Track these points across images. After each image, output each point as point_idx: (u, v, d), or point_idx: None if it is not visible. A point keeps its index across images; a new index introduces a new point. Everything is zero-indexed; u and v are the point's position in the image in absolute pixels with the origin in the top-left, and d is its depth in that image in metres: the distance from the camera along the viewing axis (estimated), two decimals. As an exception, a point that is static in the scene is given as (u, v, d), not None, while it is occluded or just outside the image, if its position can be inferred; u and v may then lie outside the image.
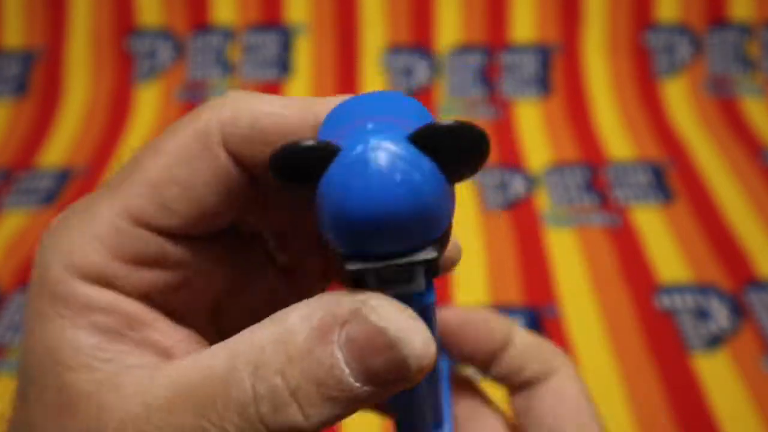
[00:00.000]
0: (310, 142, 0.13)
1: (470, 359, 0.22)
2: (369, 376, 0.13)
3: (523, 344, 0.22)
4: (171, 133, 0.15)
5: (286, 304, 0.18)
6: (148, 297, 0.16)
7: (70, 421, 0.14)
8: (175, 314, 0.17)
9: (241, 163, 0.15)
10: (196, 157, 0.15)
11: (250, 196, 0.16)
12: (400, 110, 0.14)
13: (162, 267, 0.16)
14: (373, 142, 0.12)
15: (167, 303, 0.16)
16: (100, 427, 0.14)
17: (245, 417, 0.13)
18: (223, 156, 0.15)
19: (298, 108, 0.15)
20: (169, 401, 0.13)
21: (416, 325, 0.13)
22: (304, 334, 0.13)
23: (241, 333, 0.14)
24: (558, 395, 0.21)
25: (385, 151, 0.12)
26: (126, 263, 0.15)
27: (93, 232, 0.15)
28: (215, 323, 0.18)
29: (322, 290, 0.20)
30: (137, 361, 0.15)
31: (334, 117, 0.14)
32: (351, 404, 0.13)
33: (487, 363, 0.22)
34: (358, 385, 0.13)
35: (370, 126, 0.13)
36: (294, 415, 0.13)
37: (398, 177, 0.12)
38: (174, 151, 0.15)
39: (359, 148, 0.12)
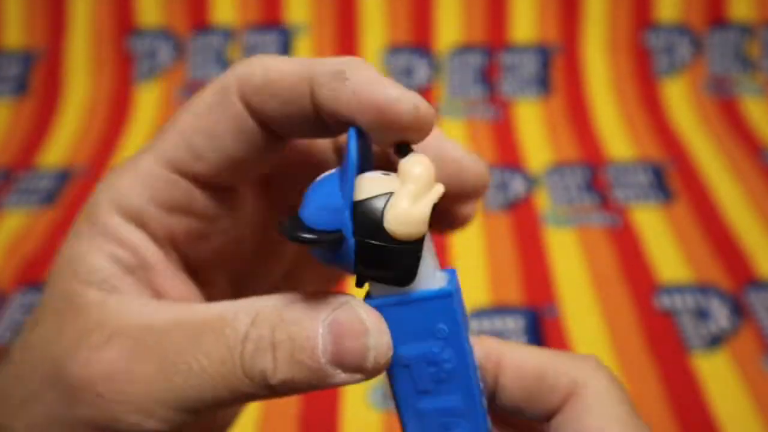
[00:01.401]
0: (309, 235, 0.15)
1: None
2: (335, 357, 0.16)
3: (531, 364, 0.19)
4: (200, 91, 0.18)
5: (271, 226, 0.22)
6: (173, 242, 0.18)
7: (72, 320, 0.17)
8: (193, 265, 0.19)
9: (257, 114, 0.17)
10: (216, 107, 0.17)
11: (268, 148, 0.18)
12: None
13: (189, 214, 0.18)
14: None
15: (188, 251, 0.19)
16: (99, 330, 0.16)
17: (230, 351, 0.16)
18: (239, 105, 0.17)
19: (299, 66, 0.17)
20: (168, 326, 0.16)
21: (386, 331, 0.16)
22: (300, 309, 0.16)
23: (247, 299, 0.17)
24: (592, 410, 0.17)
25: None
26: (159, 206, 0.18)
27: (135, 178, 0.18)
28: (230, 277, 0.21)
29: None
30: (139, 298, 0.18)
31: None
32: (311, 375, 0.16)
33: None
34: (323, 360, 0.16)
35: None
36: (267, 362, 0.16)
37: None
38: (199, 104, 0.18)
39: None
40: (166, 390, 0.16)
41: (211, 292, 0.20)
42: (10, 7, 0.71)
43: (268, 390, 0.16)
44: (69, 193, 0.58)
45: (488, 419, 0.18)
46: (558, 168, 0.59)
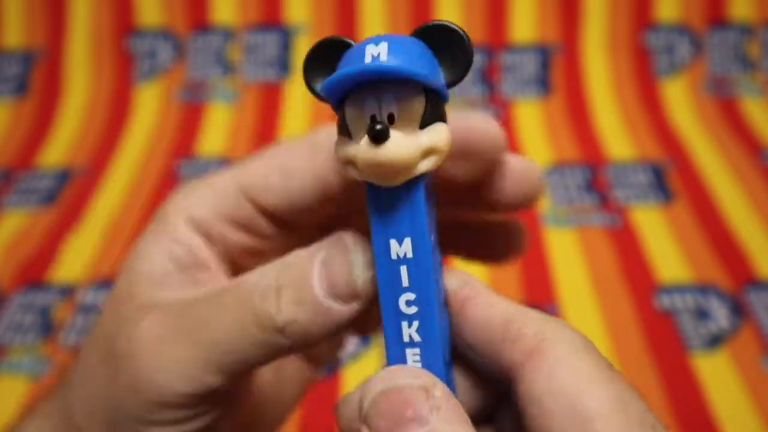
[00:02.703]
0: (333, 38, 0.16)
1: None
2: (330, 288, 0.17)
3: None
4: (293, 139, 0.20)
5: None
6: (228, 252, 0.20)
7: (124, 308, 0.19)
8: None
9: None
10: (299, 148, 0.19)
11: (341, 203, 0.20)
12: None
13: (248, 232, 0.20)
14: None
15: (241, 263, 0.21)
16: (141, 310, 0.18)
17: (243, 303, 0.17)
18: (324, 156, 0.19)
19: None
20: (195, 298, 0.18)
21: (366, 250, 0.18)
22: (300, 254, 0.18)
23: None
24: (538, 397, 0.15)
25: (391, 36, 0.16)
26: (221, 219, 0.20)
27: (208, 191, 0.20)
28: None
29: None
30: (182, 289, 0.19)
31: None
32: (313, 313, 0.17)
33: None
34: (320, 294, 0.17)
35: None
36: (272, 306, 0.17)
37: (395, 43, 0.15)
38: (288, 141, 0.20)
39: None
40: (194, 348, 0.17)
41: None
42: (10, 7, 0.71)
43: (280, 335, 0.17)
44: (69, 193, 0.58)
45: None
46: (558, 168, 0.59)
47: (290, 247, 0.20)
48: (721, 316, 0.45)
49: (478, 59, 0.70)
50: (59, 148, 0.64)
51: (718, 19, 0.70)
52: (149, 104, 0.68)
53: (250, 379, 0.21)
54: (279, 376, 0.24)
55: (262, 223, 0.20)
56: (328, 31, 0.71)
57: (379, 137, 0.15)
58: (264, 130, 0.65)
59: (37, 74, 0.70)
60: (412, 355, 0.17)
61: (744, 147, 0.60)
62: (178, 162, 0.61)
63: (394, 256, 0.16)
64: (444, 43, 0.16)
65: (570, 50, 0.70)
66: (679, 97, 0.67)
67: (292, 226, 0.20)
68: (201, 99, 0.68)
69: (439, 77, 0.16)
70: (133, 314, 0.18)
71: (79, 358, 0.20)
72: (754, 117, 0.64)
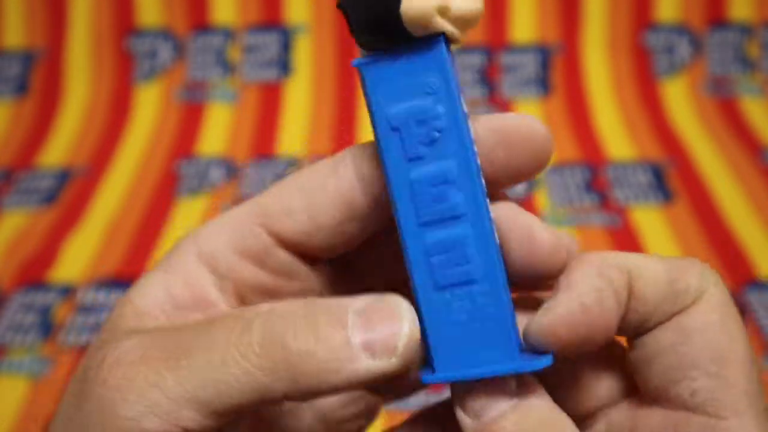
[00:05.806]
0: None
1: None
2: (366, 341, 0.15)
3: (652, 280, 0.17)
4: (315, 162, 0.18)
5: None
6: (239, 290, 0.18)
7: (111, 333, 0.17)
8: None
9: (368, 184, 0.17)
10: (325, 169, 0.17)
11: (366, 224, 0.18)
12: None
13: (263, 267, 0.18)
14: None
15: (253, 302, 0.18)
16: (122, 335, 0.16)
17: (233, 334, 0.15)
18: (349, 170, 0.17)
19: None
20: (183, 324, 0.17)
21: (414, 315, 0.16)
22: (329, 299, 0.16)
23: None
24: (687, 329, 0.18)
25: None
26: (234, 253, 0.18)
27: (222, 223, 0.18)
28: None
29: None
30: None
31: None
32: (333, 353, 0.15)
33: None
34: (351, 337, 0.15)
35: None
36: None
37: None
38: (311, 166, 0.18)
39: None
40: (171, 376, 0.15)
41: None
42: (10, 7, 0.71)
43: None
44: (69, 193, 0.58)
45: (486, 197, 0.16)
46: (558, 168, 0.59)
47: (308, 289, 0.18)
48: (720, 316, 0.45)
49: (478, 59, 0.70)
50: (59, 148, 0.64)
51: (717, 19, 0.70)
52: (149, 104, 0.68)
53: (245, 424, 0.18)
54: None
55: (280, 256, 0.18)
56: (328, 31, 0.71)
57: None
58: (264, 130, 0.65)
59: (37, 74, 0.70)
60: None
61: (744, 147, 0.60)
62: (178, 162, 0.61)
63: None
64: None
65: (570, 50, 0.70)
66: (679, 97, 0.67)
67: (314, 256, 0.18)
68: (201, 99, 0.68)
69: None
70: (112, 340, 0.16)
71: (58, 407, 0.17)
72: (754, 117, 0.64)
